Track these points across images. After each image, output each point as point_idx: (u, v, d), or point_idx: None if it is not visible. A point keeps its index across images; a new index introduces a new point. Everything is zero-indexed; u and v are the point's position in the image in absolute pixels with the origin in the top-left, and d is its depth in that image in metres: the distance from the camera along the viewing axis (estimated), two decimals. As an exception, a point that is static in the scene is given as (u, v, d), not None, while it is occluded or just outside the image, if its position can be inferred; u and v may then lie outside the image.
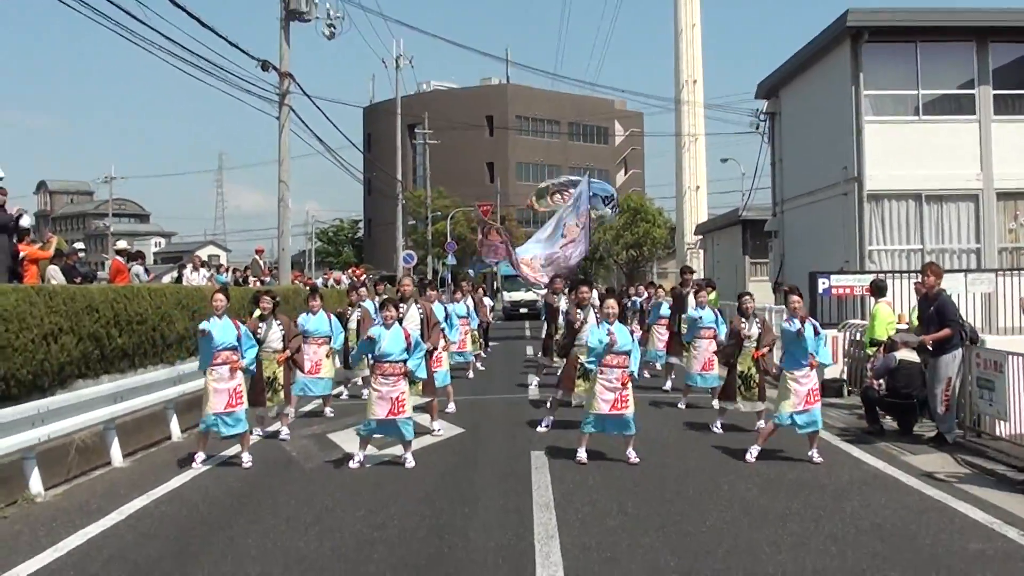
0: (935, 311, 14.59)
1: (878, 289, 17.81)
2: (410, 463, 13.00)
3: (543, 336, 22.92)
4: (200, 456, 13.27)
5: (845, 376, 19.72)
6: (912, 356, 15.26)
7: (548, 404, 16.60)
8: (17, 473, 11.52)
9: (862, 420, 16.11)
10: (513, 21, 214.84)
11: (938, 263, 24.18)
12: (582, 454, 13.08)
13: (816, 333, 13.20)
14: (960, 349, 14.41)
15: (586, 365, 14.28)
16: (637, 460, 12.91)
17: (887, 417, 15.85)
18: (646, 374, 21.85)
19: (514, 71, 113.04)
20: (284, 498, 11.39)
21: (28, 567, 8.65)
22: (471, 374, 23.88)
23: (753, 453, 13.17)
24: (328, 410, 18.04)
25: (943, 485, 11.70)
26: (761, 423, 14.83)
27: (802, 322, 13.18)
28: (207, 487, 12.05)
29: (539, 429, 15.77)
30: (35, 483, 11.64)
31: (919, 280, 15.57)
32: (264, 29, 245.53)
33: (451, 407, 17.88)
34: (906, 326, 16.80)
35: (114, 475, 13.08)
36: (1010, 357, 13.18)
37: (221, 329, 13.28)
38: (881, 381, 15.54)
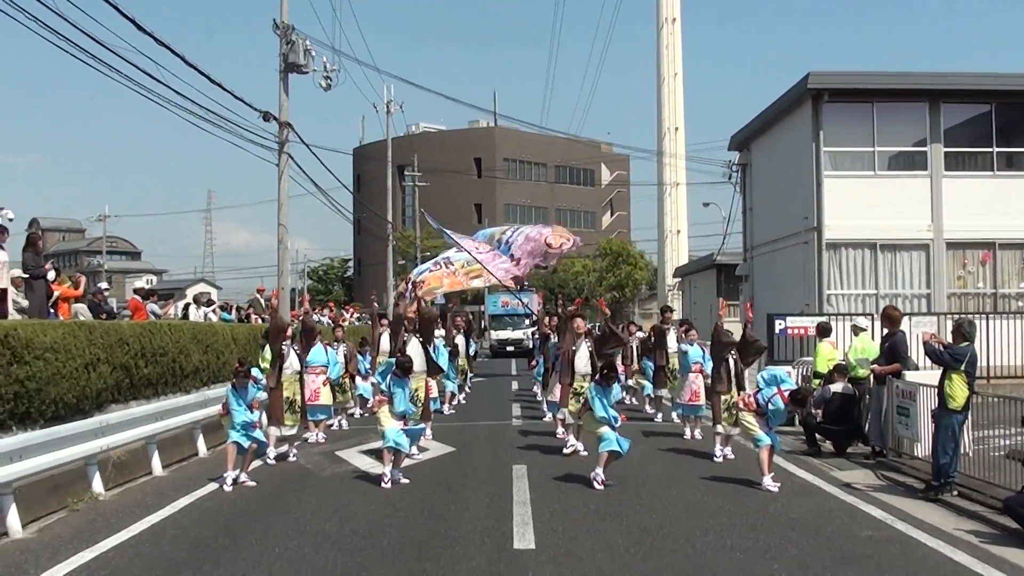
0: (888, 349, 16.88)
1: (823, 330, 19.99)
2: (403, 480, 14.76)
3: (542, 371, 24.01)
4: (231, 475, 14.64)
5: (797, 406, 21.58)
6: (846, 389, 17.60)
7: (563, 431, 18.64)
8: (81, 476, 13.72)
9: (805, 444, 18.24)
10: (502, 63, 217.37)
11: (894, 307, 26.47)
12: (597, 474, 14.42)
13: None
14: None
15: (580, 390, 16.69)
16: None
17: (826, 442, 18.03)
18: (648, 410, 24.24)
19: (502, 111, 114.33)
20: (307, 497, 13.69)
21: (112, 541, 10.96)
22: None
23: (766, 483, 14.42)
24: (321, 435, 19.74)
25: (858, 493, 13.91)
26: (722, 449, 17.05)
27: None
28: (241, 490, 14.25)
29: (565, 451, 17.54)
30: (97, 484, 13.88)
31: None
32: (255, 75, 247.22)
33: (428, 432, 18.96)
34: (844, 363, 18.86)
35: (158, 481, 15.33)
36: (921, 388, 15.38)
37: None
38: (819, 410, 17.85)
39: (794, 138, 31.44)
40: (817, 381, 19.15)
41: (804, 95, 29.65)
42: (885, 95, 29.66)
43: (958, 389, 13.19)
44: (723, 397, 17.20)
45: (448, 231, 22.85)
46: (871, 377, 17.50)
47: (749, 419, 14.59)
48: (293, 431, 17.54)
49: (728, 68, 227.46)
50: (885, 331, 17.42)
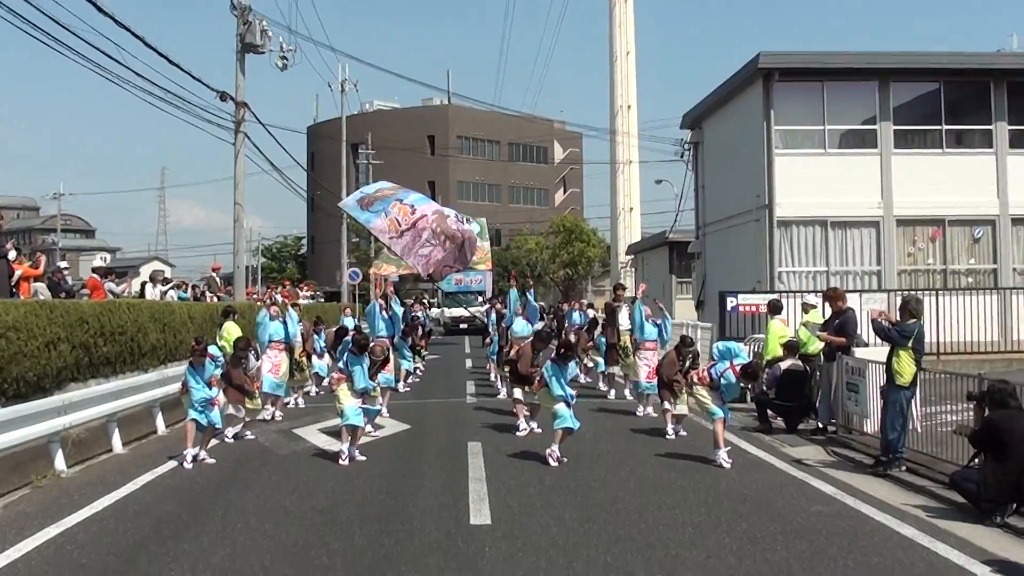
0: (838, 325, 17.12)
1: (774, 308, 20.20)
2: (360, 457, 14.86)
3: (496, 349, 25.05)
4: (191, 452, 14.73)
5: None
6: (796, 366, 17.87)
7: (517, 410, 18.23)
8: (43, 454, 13.86)
9: (757, 420, 18.54)
10: (456, 41, 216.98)
11: (840, 285, 26.74)
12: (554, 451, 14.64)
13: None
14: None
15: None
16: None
17: (777, 418, 18.32)
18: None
19: (455, 90, 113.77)
20: (266, 474, 13.88)
21: (77, 517, 11.14)
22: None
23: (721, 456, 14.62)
24: (279, 413, 19.87)
25: (809, 468, 14.18)
26: (675, 426, 17.22)
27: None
28: (201, 467, 14.40)
29: (518, 433, 17.37)
30: (59, 462, 14.02)
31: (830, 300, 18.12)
32: (212, 55, 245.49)
33: (384, 410, 19.11)
34: (795, 340, 19.09)
35: (119, 459, 15.46)
36: (870, 365, 15.65)
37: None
38: (771, 389, 18.11)
39: (745, 117, 31.77)
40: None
41: (755, 74, 29.94)
42: (835, 74, 30.03)
43: (905, 365, 13.47)
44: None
45: (370, 215, 19.87)
46: (821, 354, 17.80)
47: (703, 392, 14.85)
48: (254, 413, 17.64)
49: (681, 47, 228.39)
50: (832, 311, 17.67)
